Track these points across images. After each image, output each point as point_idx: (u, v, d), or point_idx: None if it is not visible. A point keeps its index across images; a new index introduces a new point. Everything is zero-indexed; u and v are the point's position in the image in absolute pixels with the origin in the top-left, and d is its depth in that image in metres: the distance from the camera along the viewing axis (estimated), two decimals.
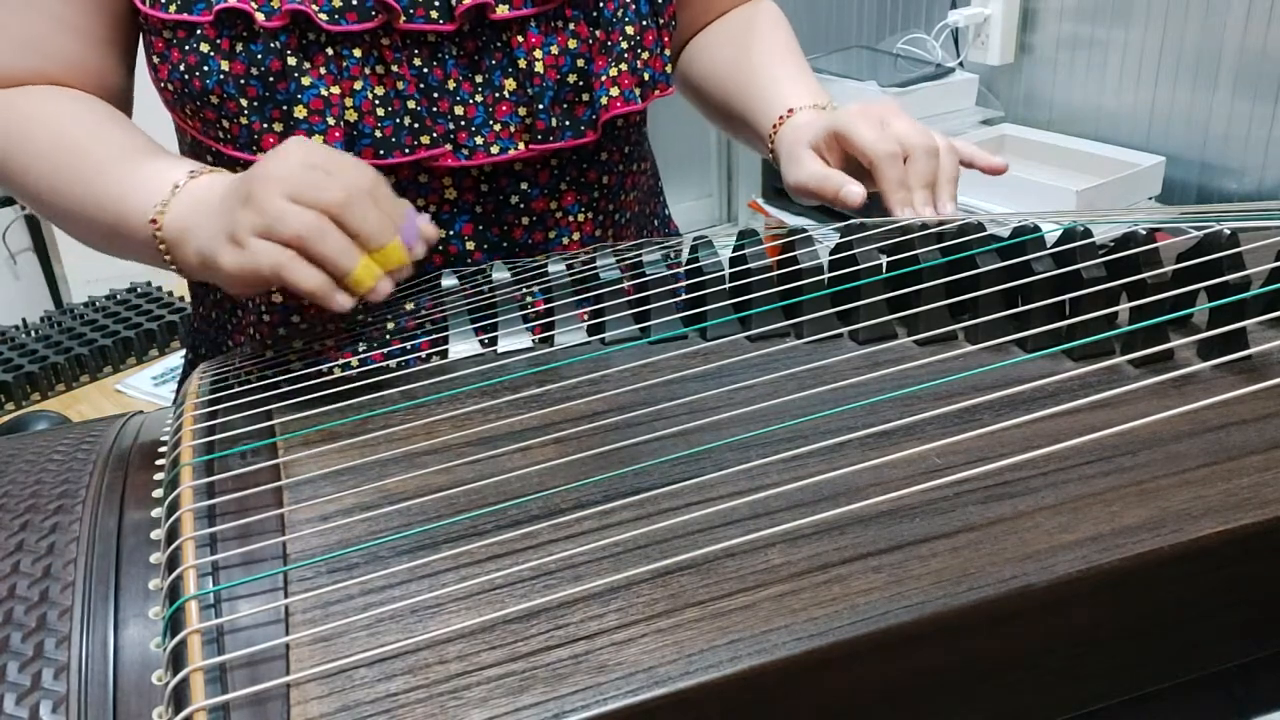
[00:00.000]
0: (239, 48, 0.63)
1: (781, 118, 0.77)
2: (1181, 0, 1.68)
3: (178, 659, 0.38)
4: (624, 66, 0.71)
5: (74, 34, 0.67)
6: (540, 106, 0.68)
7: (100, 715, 0.38)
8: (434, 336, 0.60)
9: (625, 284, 0.61)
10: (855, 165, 0.71)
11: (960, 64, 2.04)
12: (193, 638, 0.39)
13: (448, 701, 0.36)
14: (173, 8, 0.64)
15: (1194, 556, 0.41)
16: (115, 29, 0.68)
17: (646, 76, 0.72)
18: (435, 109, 0.67)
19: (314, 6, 0.63)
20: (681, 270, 0.61)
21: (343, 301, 0.53)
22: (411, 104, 0.66)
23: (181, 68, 0.64)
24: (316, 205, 0.52)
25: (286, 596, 0.41)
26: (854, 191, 0.70)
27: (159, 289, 1.79)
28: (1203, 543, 0.41)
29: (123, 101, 0.72)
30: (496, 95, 0.68)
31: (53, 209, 0.67)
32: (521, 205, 0.72)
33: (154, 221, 0.60)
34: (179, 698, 0.37)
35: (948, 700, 0.42)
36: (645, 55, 0.72)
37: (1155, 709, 0.46)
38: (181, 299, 1.71)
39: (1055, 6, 1.89)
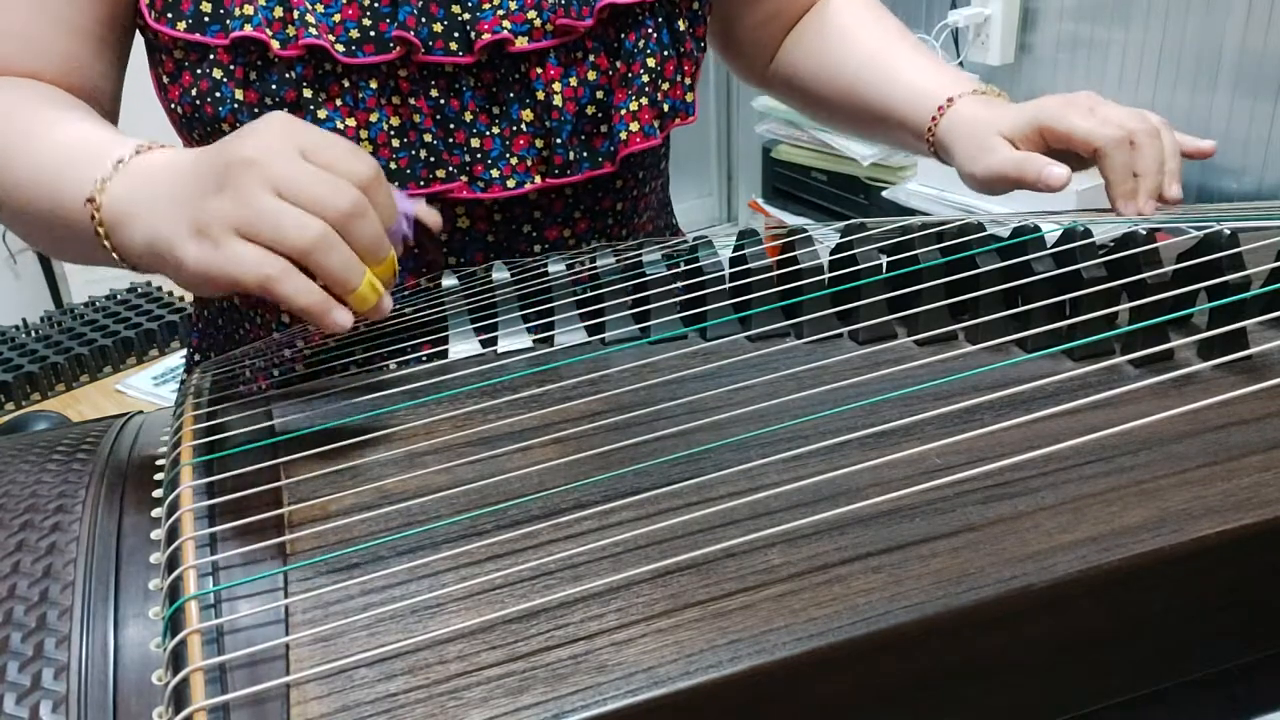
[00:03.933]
0: (253, 76, 0.62)
1: (941, 108, 0.76)
2: (1181, 0, 1.68)
3: (178, 659, 0.38)
4: (644, 100, 0.69)
5: (71, 33, 0.65)
6: (558, 140, 0.67)
7: (100, 715, 0.38)
8: (434, 337, 0.60)
9: (635, 284, 0.60)
10: (1055, 156, 0.70)
11: (960, 64, 2.04)
12: (193, 638, 0.39)
13: (448, 701, 0.36)
14: (182, 25, 0.62)
15: (1194, 556, 0.41)
16: (111, 29, 0.67)
17: (666, 107, 0.71)
18: (451, 140, 0.66)
19: (330, 38, 0.62)
20: (681, 270, 0.61)
21: (341, 319, 0.47)
22: (428, 137, 0.65)
23: (193, 92, 0.63)
24: (323, 213, 0.46)
25: (286, 596, 0.41)
26: (1057, 174, 0.68)
27: (159, 289, 1.79)
28: (1203, 543, 0.41)
29: (107, 110, 0.69)
30: (514, 128, 0.67)
31: None
32: (534, 234, 0.72)
33: (91, 200, 0.52)
34: (179, 698, 0.37)
35: (948, 701, 0.42)
36: (665, 86, 0.71)
37: (1155, 709, 0.46)
38: (181, 299, 1.71)
39: (1055, 6, 1.89)
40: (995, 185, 0.73)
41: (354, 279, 0.47)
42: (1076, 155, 0.70)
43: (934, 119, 0.76)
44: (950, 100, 0.76)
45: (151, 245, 0.50)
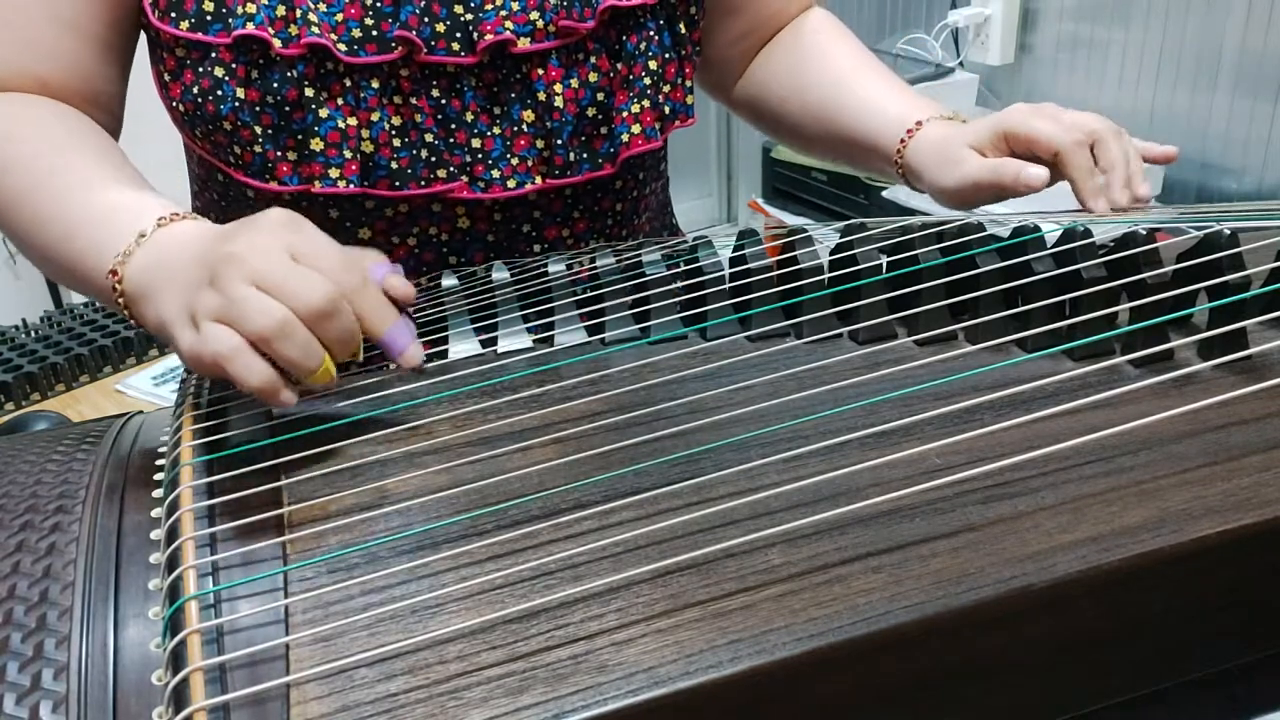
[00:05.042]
0: (254, 75, 0.62)
1: (910, 130, 0.76)
2: (1181, 0, 1.68)
3: (178, 659, 0.38)
4: (645, 103, 0.69)
5: (76, 37, 0.65)
6: (559, 141, 0.67)
7: (100, 715, 0.38)
8: (434, 337, 0.60)
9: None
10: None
11: (960, 64, 2.04)
12: (193, 638, 0.39)
13: (448, 701, 0.36)
14: (184, 24, 0.62)
15: (1194, 557, 0.41)
16: (116, 32, 0.67)
17: (667, 110, 0.71)
18: (452, 140, 0.66)
19: (332, 37, 0.62)
20: (681, 270, 0.61)
21: (286, 400, 0.48)
22: (429, 136, 0.65)
23: (195, 90, 0.63)
24: (292, 305, 0.47)
25: (286, 596, 0.41)
26: (1035, 174, 0.69)
27: None
28: (1203, 543, 0.41)
29: (113, 113, 0.70)
30: (515, 129, 0.67)
31: (10, 228, 0.62)
32: (534, 233, 0.72)
33: (114, 273, 0.55)
34: (179, 698, 0.37)
35: (947, 701, 0.42)
36: (666, 88, 0.71)
37: (1155, 709, 0.46)
38: None
39: (1055, 6, 1.89)
40: (969, 195, 0.73)
41: (311, 364, 0.48)
42: (1043, 162, 0.71)
43: (903, 141, 0.77)
44: (919, 124, 0.76)
45: (161, 327, 0.52)
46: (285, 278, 0.47)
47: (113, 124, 0.70)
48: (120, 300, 0.55)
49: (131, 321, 0.56)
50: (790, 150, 1.09)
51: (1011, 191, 0.70)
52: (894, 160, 0.78)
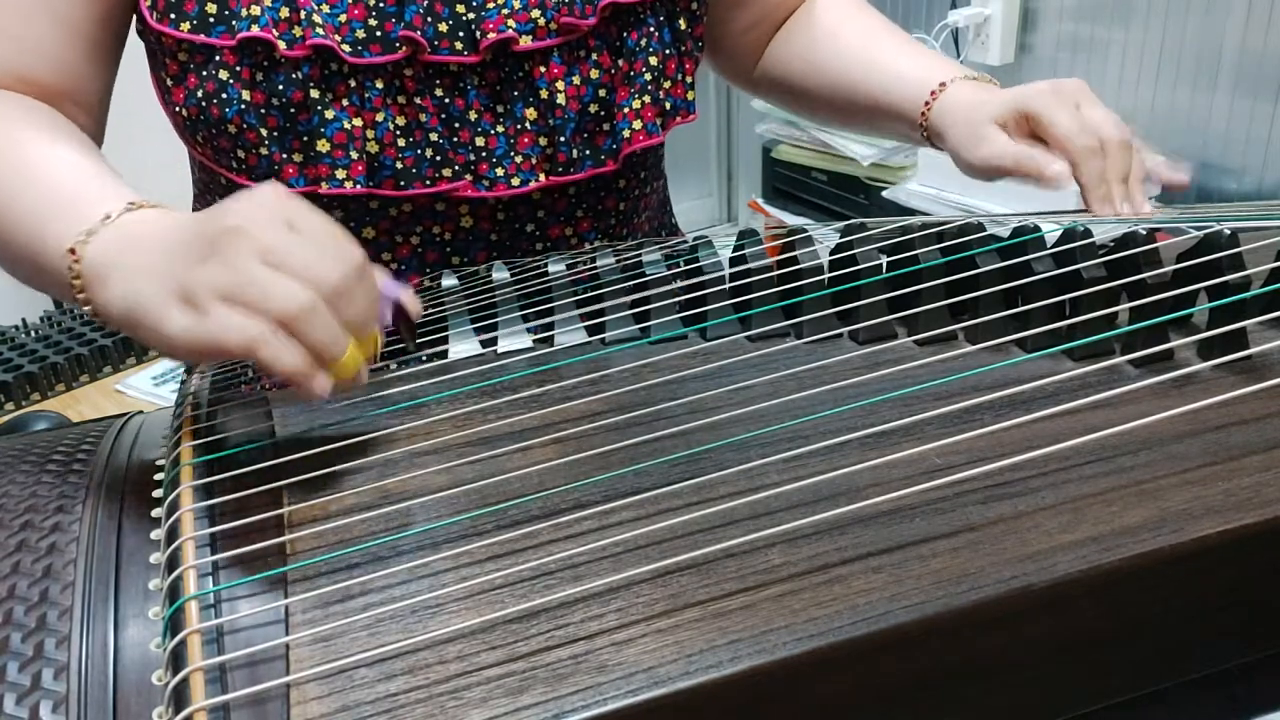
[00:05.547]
0: (259, 77, 0.62)
1: (934, 93, 0.76)
2: (1181, 0, 1.68)
3: (178, 659, 0.38)
4: (647, 98, 0.70)
5: (67, 32, 0.64)
6: (561, 138, 0.68)
7: (100, 715, 0.38)
8: (434, 337, 0.60)
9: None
10: (1042, 143, 0.71)
11: (960, 64, 2.04)
12: (193, 638, 0.39)
13: (447, 702, 0.36)
14: (185, 26, 0.62)
15: (1194, 556, 0.41)
16: (107, 30, 0.66)
17: (668, 105, 0.71)
18: (457, 139, 0.66)
19: (337, 38, 0.62)
20: (681, 270, 0.61)
21: (322, 385, 0.45)
22: (433, 135, 0.66)
23: (199, 94, 0.63)
24: (311, 283, 0.45)
25: (286, 596, 0.41)
26: (1062, 172, 0.69)
27: None
28: (1203, 543, 0.41)
29: (95, 118, 0.69)
30: (518, 126, 0.67)
31: None
32: (537, 232, 0.72)
33: (72, 252, 0.51)
34: (179, 698, 0.37)
35: (948, 701, 0.42)
36: (667, 84, 0.71)
37: (1155, 709, 0.46)
38: None
39: (1055, 6, 1.89)
40: (989, 174, 0.73)
41: (338, 348, 0.45)
42: None
43: (927, 104, 0.77)
44: (942, 85, 0.76)
45: (131, 309, 0.48)
46: (300, 253, 0.45)
47: (94, 129, 0.68)
48: (76, 282, 0.51)
49: (88, 311, 0.52)
50: (819, 125, 1.09)
51: (1037, 184, 0.71)
52: (918, 124, 0.78)
